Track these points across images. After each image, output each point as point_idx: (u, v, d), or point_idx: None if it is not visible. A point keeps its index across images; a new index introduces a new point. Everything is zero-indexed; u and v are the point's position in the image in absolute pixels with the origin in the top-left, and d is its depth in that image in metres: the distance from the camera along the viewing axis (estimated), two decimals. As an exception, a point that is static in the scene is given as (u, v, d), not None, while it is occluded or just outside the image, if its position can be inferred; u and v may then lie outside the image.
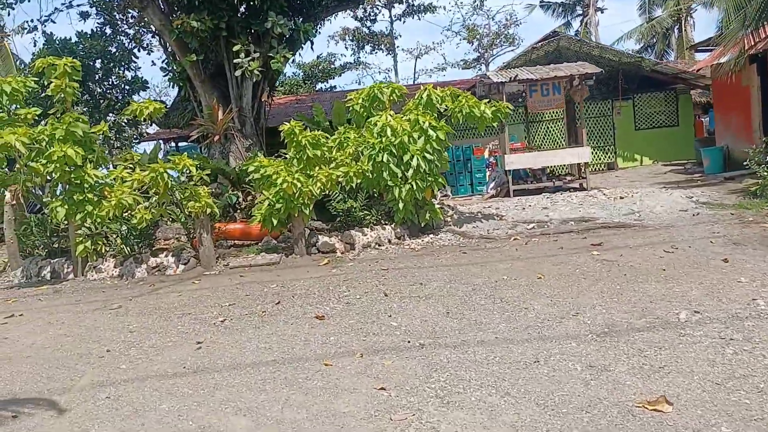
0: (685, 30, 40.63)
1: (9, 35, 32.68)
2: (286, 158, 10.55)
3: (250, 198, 12.07)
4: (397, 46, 39.93)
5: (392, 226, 10.13)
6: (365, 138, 10.05)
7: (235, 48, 12.94)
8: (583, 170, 13.72)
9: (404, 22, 42.41)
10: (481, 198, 14.79)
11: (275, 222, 9.28)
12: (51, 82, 9.43)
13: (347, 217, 9.96)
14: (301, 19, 14.14)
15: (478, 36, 42.58)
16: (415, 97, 10.38)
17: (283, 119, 19.06)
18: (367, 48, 41.55)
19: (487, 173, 16.92)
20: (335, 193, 9.82)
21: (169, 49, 15.54)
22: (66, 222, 9.81)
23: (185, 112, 17.17)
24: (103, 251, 9.60)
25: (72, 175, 9.25)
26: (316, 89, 36.45)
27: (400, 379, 3.96)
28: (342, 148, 10.13)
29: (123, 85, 26.34)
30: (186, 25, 12.55)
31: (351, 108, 10.72)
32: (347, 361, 4.42)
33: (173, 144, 22.30)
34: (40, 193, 12.13)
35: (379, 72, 61.73)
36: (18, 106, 9.83)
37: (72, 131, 9.27)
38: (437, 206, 10.52)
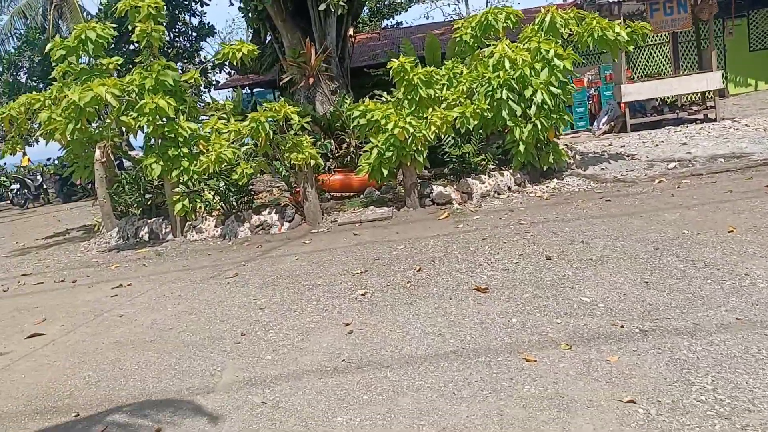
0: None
1: (74, -14, 32.47)
2: (382, 100, 9.57)
3: (344, 146, 11.16)
4: (467, -25, 37.52)
5: (511, 171, 9.05)
6: (479, 72, 8.89)
7: (318, -19, 11.82)
8: (711, 98, 12.13)
9: (473, -52, 39.90)
10: (590, 135, 13.43)
11: (385, 172, 8.35)
12: (135, 27, 8.62)
13: (462, 164, 8.92)
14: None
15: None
16: (535, 21, 9.08)
17: (360, 59, 18.03)
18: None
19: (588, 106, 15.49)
20: (446, 137, 8.76)
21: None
22: (160, 179, 9.19)
23: (264, 55, 16.22)
24: (202, 209, 8.94)
25: (165, 129, 8.54)
26: (382, 26, 34.87)
27: (647, 386, 3.01)
28: (452, 85, 9.02)
29: (190, 32, 25.61)
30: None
31: (458, 39, 9.51)
32: (553, 354, 3.50)
33: (248, 90, 21.55)
34: (128, 148, 11.57)
35: (448, 4, 58.84)
36: (98, 56, 9.15)
37: (162, 80, 8.51)
38: (561, 147, 9.34)
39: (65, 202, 19.08)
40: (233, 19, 64.54)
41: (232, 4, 14.82)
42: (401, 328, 4.20)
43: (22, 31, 29.10)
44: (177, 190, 8.78)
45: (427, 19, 49.04)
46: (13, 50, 25.38)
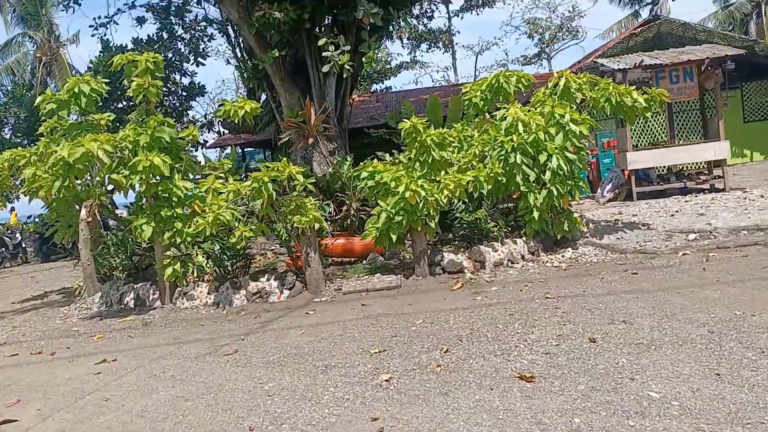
0: (766, 15, 38.02)
1: (65, 44, 32.42)
2: (385, 161, 9.16)
3: (344, 209, 10.68)
4: (456, 43, 38.20)
5: (523, 239, 8.58)
6: (491, 135, 8.54)
7: (321, 42, 11.57)
8: (719, 168, 11.90)
9: (462, 18, 40.78)
10: (593, 202, 13.10)
11: (394, 238, 7.84)
12: (132, 81, 8.19)
13: (473, 230, 8.44)
14: (390, 8, 12.70)
15: (540, 30, 40.60)
16: (549, 85, 8.81)
17: (355, 121, 17.80)
18: (424, 46, 40.04)
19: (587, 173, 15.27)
20: (456, 202, 8.32)
21: (242, 47, 14.37)
22: (150, 241, 8.59)
23: (258, 115, 15.84)
24: (195, 275, 8.31)
25: (159, 188, 8.00)
26: (371, 90, 35.08)
27: None
28: (463, 148, 8.64)
29: (180, 92, 25.38)
30: (268, 17, 11.26)
31: (467, 102, 9.20)
32: (637, 468, 2.90)
33: (239, 149, 21.20)
34: (118, 208, 10.99)
35: (437, 71, 59.85)
36: (89, 112, 8.69)
37: (158, 137, 8.04)
38: (575, 214, 8.92)
39: (44, 262, 18.26)
40: (223, 80, 65.02)
41: (229, 63, 14.61)
42: (441, 427, 3.58)
43: (8, 87, 28.77)
44: (168, 253, 8.16)
45: (416, 84, 49.66)
46: (-1, 106, 25.01)
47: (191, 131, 8.32)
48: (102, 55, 23.71)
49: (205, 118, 21.42)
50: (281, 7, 11.18)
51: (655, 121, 18.09)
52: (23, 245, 19.37)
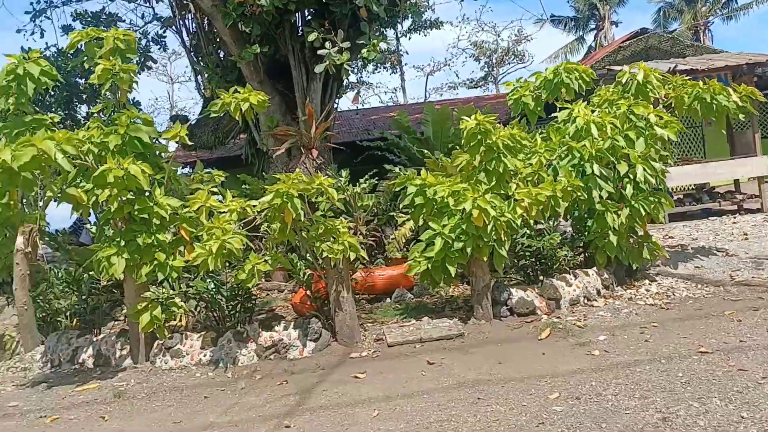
0: (703, 43, 38.84)
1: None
2: (391, 175, 7.44)
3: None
4: (405, 64, 36.90)
5: (594, 269, 6.95)
6: (555, 141, 6.91)
7: (311, 37, 9.76)
8: (758, 185, 10.74)
9: (410, 38, 39.65)
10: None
11: (452, 270, 6.01)
12: (96, 65, 6.09)
13: (538, 259, 6.74)
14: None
15: (488, 52, 39.98)
16: (623, 81, 7.27)
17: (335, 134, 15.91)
18: (370, 67, 38.63)
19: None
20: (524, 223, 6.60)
21: (207, 44, 12.27)
22: (113, 280, 6.45)
23: (219, 127, 13.70)
24: (184, 323, 6.19)
25: (135, 207, 5.89)
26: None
27: None
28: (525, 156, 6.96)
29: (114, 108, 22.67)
30: (253, 5, 9.34)
31: (515, 102, 7.53)
32: None
33: (189, 169, 18.79)
34: (64, 233, 8.67)
35: (385, 92, 58.40)
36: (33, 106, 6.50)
37: (133, 138, 5.97)
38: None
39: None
40: (156, 98, 62.11)
41: (196, 59, 12.40)
42: None
43: None
44: (147, 294, 6.02)
45: (362, 105, 48.18)
46: None
47: (177, 131, 6.25)
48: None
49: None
50: (266, -8, 9.29)
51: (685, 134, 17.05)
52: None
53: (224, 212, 5.96)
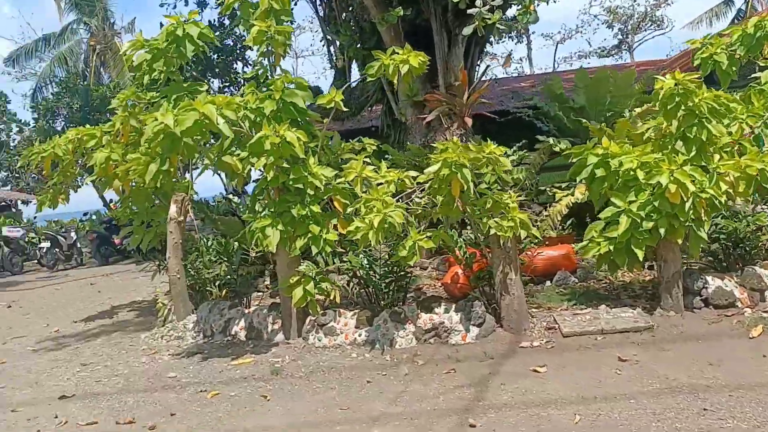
0: None
1: (119, 33, 30.61)
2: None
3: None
4: (532, 32, 35.15)
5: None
6: (758, 106, 5.88)
7: (458, -6, 9.08)
8: None
9: (538, 4, 37.84)
10: None
11: (639, 253, 5.24)
12: (251, 26, 5.80)
13: (734, 243, 5.82)
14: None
15: (623, 18, 37.36)
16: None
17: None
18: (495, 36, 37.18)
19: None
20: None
21: (341, 10, 11.90)
22: (264, 252, 6.24)
23: (352, 98, 13.34)
24: (337, 298, 5.86)
25: (290, 176, 5.58)
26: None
27: None
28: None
29: (242, 82, 23.22)
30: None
31: (703, 61, 6.50)
32: None
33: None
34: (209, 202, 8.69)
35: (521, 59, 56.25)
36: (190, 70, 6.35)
37: (289, 104, 5.65)
38: None
39: (102, 265, 16.17)
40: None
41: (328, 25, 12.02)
42: None
43: (61, 77, 26.99)
44: (301, 268, 5.74)
45: (486, 76, 46.75)
46: (51, 96, 23.35)
47: (332, 95, 5.86)
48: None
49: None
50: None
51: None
52: (78, 245, 17.32)
53: (381, 184, 5.53)
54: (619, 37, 38.94)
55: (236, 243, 6.93)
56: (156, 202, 7.95)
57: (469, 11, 8.83)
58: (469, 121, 8.57)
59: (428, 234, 5.25)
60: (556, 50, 55.00)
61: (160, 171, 5.21)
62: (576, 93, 10.37)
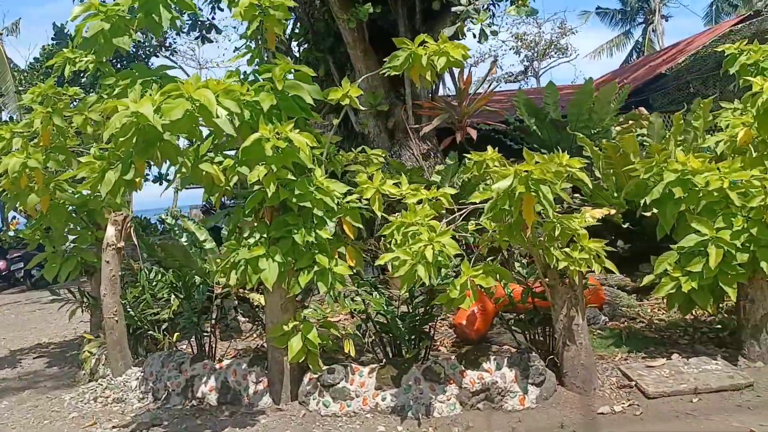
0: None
1: (1, 34, 27.40)
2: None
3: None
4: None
5: None
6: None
7: (434, -6, 8.11)
8: None
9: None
10: None
11: (731, 292, 4.32)
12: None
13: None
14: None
15: (531, 44, 38.15)
16: None
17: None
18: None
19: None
20: None
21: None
22: (269, 287, 4.81)
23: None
24: (351, 353, 4.53)
25: (295, 192, 4.23)
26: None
27: None
28: None
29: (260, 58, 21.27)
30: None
31: (743, 67, 5.74)
32: None
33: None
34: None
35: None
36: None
37: (293, 98, 4.34)
38: None
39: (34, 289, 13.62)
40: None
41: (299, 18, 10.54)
42: None
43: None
44: (307, 311, 4.38)
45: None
46: None
47: (346, 90, 4.57)
48: (54, 44, 19.40)
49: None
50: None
51: None
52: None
53: (418, 203, 4.32)
54: (525, 63, 39.75)
55: (196, 277, 5.44)
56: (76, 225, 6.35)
57: (454, 9, 7.84)
58: (474, 133, 7.48)
59: (481, 270, 4.06)
60: (470, 73, 55.67)
61: (121, 181, 3.71)
62: (552, 108, 9.59)
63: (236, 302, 6.76)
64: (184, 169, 4.07)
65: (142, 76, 4.11)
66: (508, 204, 3.81)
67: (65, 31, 19.84)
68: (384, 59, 9.53)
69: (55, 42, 19.64)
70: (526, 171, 3.75)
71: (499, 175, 3.87)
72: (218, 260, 6.94)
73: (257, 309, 6.59)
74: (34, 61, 20.73)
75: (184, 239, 7.45)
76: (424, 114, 8.09)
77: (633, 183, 4.81)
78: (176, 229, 7.75)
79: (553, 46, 40.03)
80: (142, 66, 4.28)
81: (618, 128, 8.62)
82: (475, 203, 4.17)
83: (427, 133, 9.36)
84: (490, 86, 9.17)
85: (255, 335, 6.63)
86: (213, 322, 5.44)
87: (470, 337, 5.52)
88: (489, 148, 4.61)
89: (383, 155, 5.62)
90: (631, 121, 8.77)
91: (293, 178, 4.21)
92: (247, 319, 6.91)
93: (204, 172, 4.19)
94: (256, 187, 4.29)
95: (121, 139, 3.38)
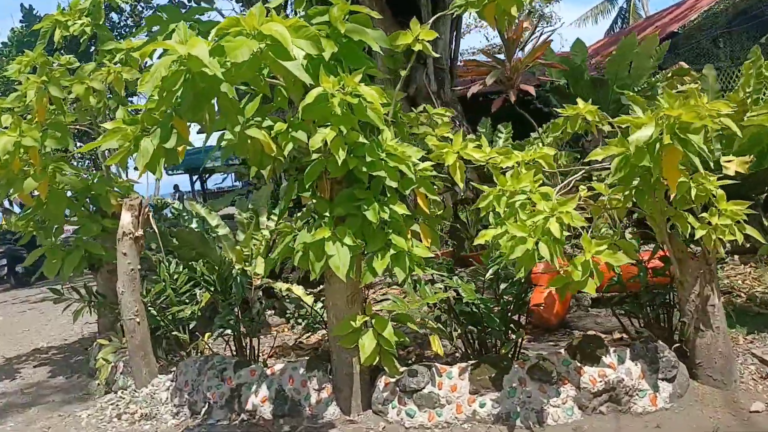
0: None
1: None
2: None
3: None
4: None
5: None
6: None
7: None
8: None
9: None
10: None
11: None
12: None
13: None
14: None
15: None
16: None
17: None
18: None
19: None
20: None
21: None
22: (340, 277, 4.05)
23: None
24: (439, 351, 3.76)
25: (366, 159, 3.42)
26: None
27: None
28: None
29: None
30: None
31: None
32: None
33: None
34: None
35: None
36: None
37: (356, 44, 3.54)
38: None
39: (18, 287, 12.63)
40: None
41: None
42: None
43: None
44: (385, 304, 3.60)
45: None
46: None
47: (416, 33, 3.76)
48: (24, 27, 18.24)
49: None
50: None
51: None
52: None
53: (506, 168, 3.55)
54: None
55: (234, 267, 4.63)
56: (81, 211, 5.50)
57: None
58: (531, 89, 6.67)
59: (605, 244, 3.30)
60: (521, 21, 54.59)
61: (161, 151, 2.87)
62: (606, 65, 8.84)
63: (261, 293, 5.98)
64: (229, 135, 3.23)
65: (171, 21, 3.24)
66: (648, 160, 3.03)
67: (34, 12, 18.64)
68: (402, 20, 8.71)
69: (24, 24, 18.49)
70: (672, 116, 2.97)
71: (635, 124, 3.08)
72: (237, 248, 6.19)
73: (283, 300, 5.84)
74: (2, 46, 19.42)
75: (194, 225, 6.69)
76: (467, 76, 7.25)
77: (748, 133, 4.06)
78: (185, 214, 6.96)
79: (537, 14, 39.30)
80: (172, 7, 3.42)
81: (664, 84, 7.93)
82: (597, 161, 3.39)
83: (450, 99, 8.60)
84: (541, 36, 8.25)
85: (286, 329, 5.89)
86: (254, 319, 4.62)
87: (549, 322, 4.82)
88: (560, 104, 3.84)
89: (451, 113, 4.83)
90: (675, 77, 8.11)
91: (364, 140, 3.39)
92: (273, 311, 6.18)
93: (249, 140, 3.36)
94: (314, 156, 3.48)
95: (165, 94, 2.53)
